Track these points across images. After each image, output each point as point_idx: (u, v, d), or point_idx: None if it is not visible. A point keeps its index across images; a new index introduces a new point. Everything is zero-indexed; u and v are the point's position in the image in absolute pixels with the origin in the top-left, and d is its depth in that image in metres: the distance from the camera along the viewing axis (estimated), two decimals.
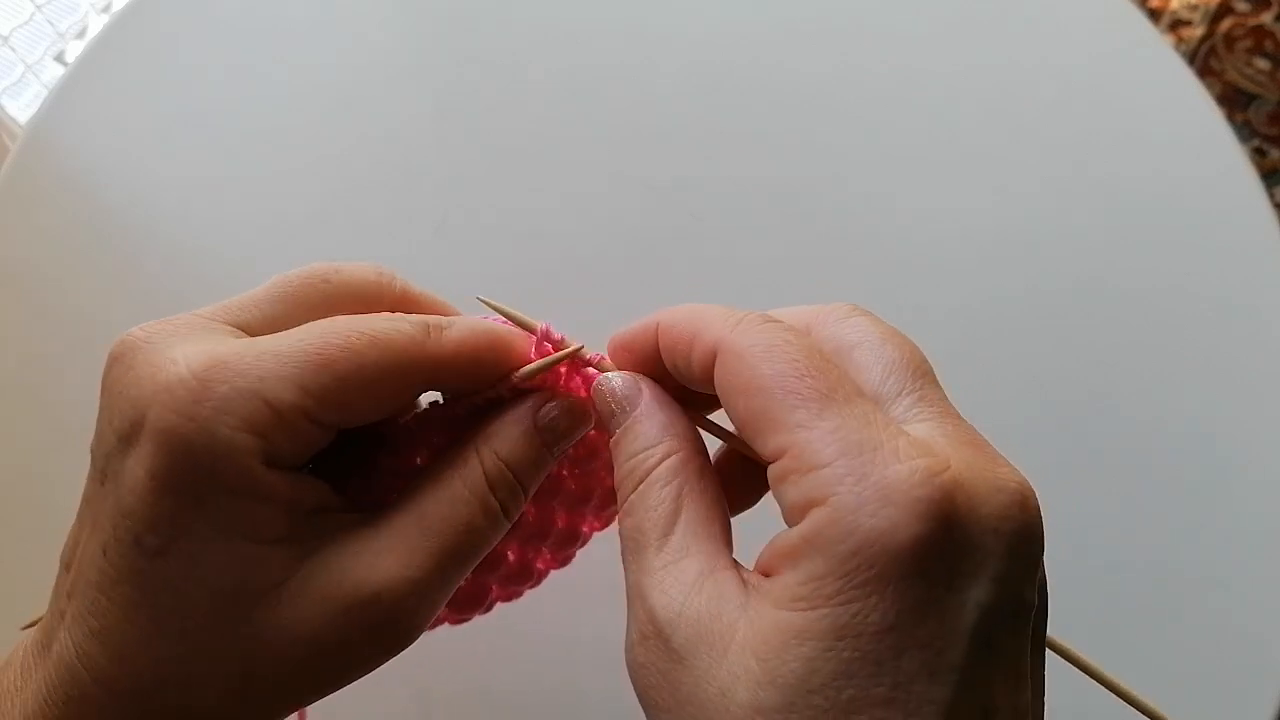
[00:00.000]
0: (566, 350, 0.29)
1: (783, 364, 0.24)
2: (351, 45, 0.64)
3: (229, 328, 0.27)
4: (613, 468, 0.32)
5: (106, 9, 1.30)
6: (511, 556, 0.34)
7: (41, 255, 0.60)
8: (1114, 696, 0.27)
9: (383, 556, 0.26)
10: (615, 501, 0.33)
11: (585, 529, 0.35)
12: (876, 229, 0.60)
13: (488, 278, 0.58)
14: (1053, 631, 0.26)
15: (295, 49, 0.64)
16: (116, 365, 0.26)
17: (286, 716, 0.28)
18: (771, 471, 0.24)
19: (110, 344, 0.27)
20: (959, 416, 0.25)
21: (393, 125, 0.62)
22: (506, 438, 0.29)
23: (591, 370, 0.30)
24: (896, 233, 0.59)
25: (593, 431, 0.32)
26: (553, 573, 0.36)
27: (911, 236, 0.59)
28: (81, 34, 1.29)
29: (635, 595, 0.25)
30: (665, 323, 0.28)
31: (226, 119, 0.62)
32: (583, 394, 0.31)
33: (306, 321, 0.28)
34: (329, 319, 0.27)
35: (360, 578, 0.26)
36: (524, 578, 0.35)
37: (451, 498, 0.28)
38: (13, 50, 1.24)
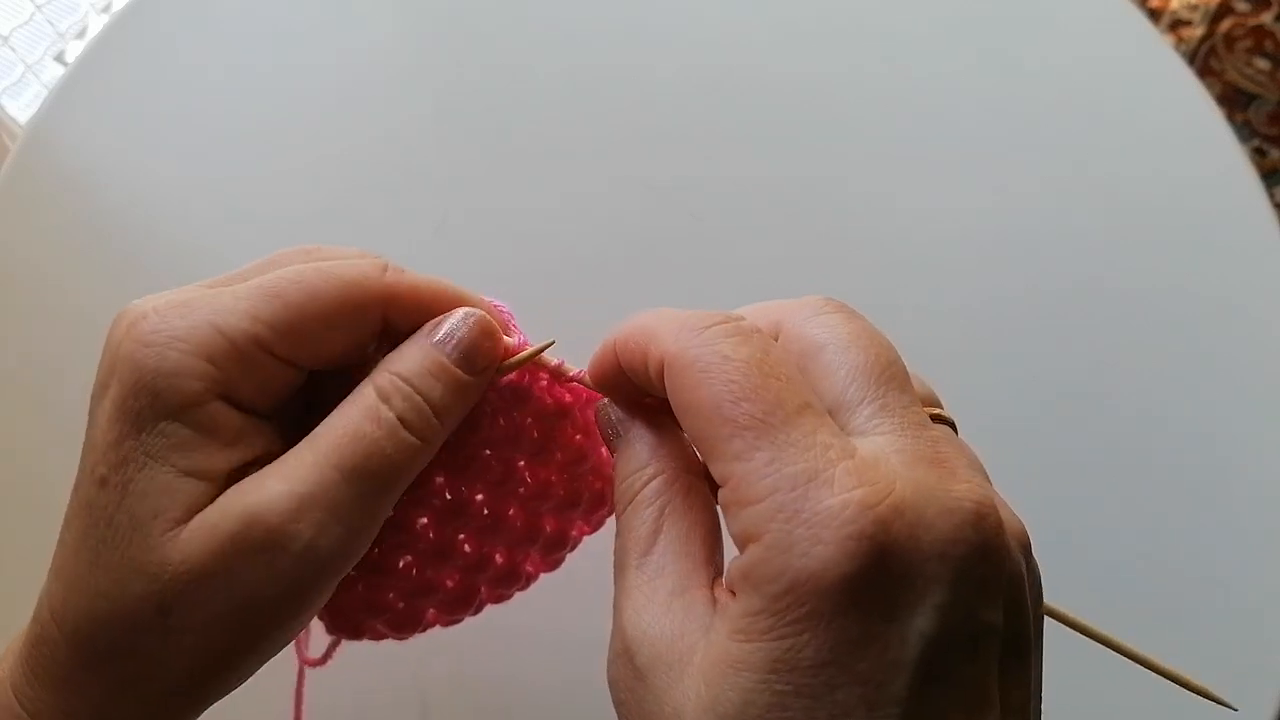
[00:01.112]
0: (540, 345, 0.30)
1: (719, 385, 0.23)
2: (351, 45, 0.64)
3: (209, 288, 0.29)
4: (597, 470, 0.33)
5: (106, 9, 1.30)
6: (500, 559, 0.34)
7: (41, 255, 0.60)
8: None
9: (268, 479, 0.26)
10: (604, 506, 0.34)
11: (575, 533, 0.35)
12: (877, 229, 0.60)
13: (488, 278, 0.57)
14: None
15: (295, 49, 0.64)
16: (112, 329, 0.28)
17: (229, 676, 0.27)
18: (719, 497, 0.24)
19: None
20: (922, 426, 0.24)
21: (393, 125, 0.62)
22: (400, 355, 0.28)
23: (578, 385, 0.31)
24: (897, 233, 0.59)
25: (579, 436, 0.32)
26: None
27: (912, 237, 0.59)
28: (81, 34, 1.29)
29: (615, 613, 0.26)
30: (619, 342, 0.28)
31: (226, 119, 0.62)
32: (567, 399, 0.31)
33: None
34: (294, 265, 0.28)
35: (245, 500, 0.26)
36: (512, 580, 0.35)
37: (342, 414, 0.27)
38: (13, 50, 1.24)
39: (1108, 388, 0.57)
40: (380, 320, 0.28)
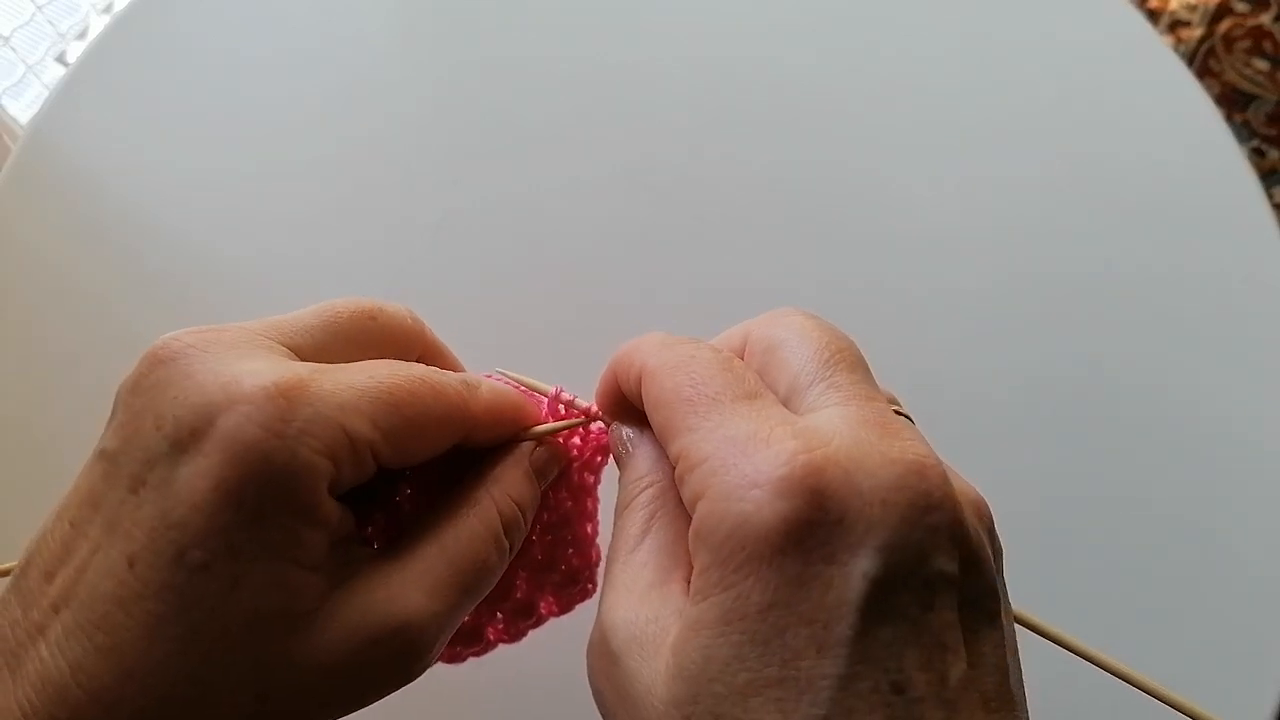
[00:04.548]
0: (581, 419, 0.32)
1: (681, 377, 0.26)
2: (352, 44, 0.64)
3: (283, 349, 0.27)
4: (578, 545, 0.34)
5: (107, 9, 1.30)
6: (466, 618, 0.33)
7: (42, 256, 0.60)
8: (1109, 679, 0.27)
9: (411, 588, 0.27)
10: (576, 584, 0.34)
11: (543, 608, 0.34)
12: (878, 227, 0.60)
13: (487, 277, 0.58)
14: (1055, 628, 0.26)
15: (296, 49, 0.64)
16: (164, 368, 0.25)
17: None
18: (675, 477, 0.25)
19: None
20: (868, 399, 0.25)
21: (393, 125, 0.62)
22: (514, 480, 0.30)
23: (584, 438, 0.32)
24: (898, 233, 0.60)
25: (570, 502, 0.33)
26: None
27: (912, 238, 0.60)
28: (82, 35, 1.29)
29: (599, 605, 0.27)
30: (615, 363, 0.29)
31: (227, 119, 0.62)
32: (572, 452, 0.32)
33: (352, 355, 0.29)
34: (390, 362, 0.28)
35: (390, 609, 0.26)
36: (473, 640, 0.34)
37: (471, 534, 0.28)
38: (14, 51, 1.24)
39: (1105, 389, 0.57)
40: (458, 441, 0.29)
